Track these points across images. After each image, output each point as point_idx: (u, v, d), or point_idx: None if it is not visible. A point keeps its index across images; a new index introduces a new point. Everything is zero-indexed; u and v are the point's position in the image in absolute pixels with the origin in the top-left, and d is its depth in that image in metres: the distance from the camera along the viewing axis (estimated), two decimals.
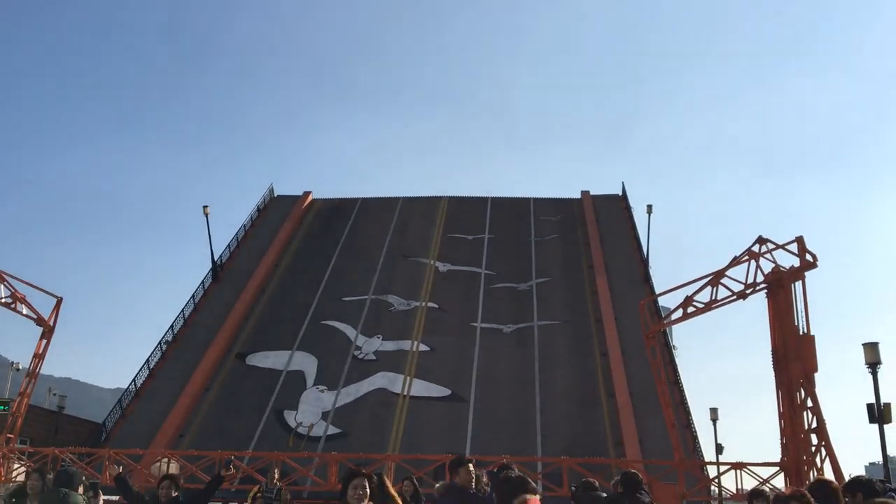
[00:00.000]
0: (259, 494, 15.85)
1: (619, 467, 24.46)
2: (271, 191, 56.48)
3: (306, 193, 56.29)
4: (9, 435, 27.27)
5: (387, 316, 41.82)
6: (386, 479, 8.98)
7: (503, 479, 5.69)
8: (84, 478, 7.68)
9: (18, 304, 27.32)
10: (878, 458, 23.89)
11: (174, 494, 8.60)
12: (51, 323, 27.89)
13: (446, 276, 45.80)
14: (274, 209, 54.29)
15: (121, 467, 10.96)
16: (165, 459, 28.38)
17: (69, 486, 7.13)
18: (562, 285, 44.13)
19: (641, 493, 9.61)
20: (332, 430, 33.55)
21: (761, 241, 25.01)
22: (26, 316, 27.58)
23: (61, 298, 28.37)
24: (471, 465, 7.81)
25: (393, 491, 9.10)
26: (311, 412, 34.55)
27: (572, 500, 11.35)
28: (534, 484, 5.65)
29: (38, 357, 27.88)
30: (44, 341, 27.88)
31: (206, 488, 9.18)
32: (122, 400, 36.54)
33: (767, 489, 25.01)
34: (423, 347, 38.97)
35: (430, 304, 42.61)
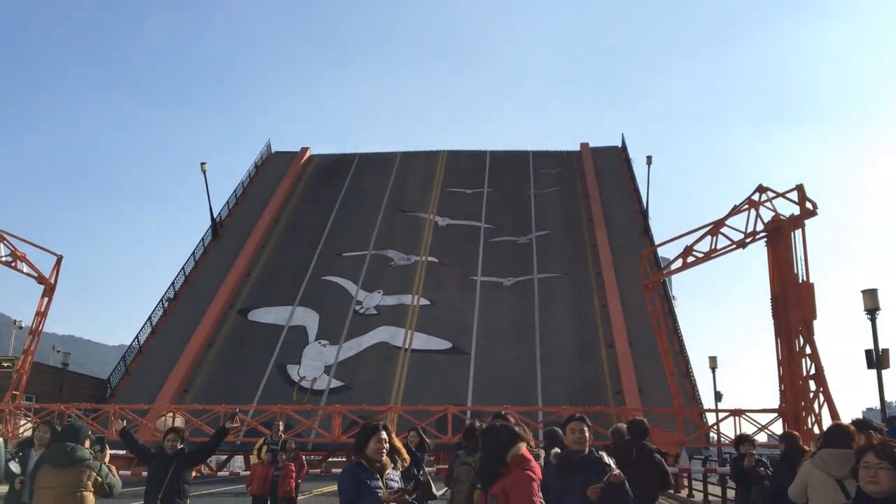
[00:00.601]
0: (265, 446, 15.95)
1: (619, 415, 24.78)
2: (269, 147, 56.14)
3: (304, 149, 55.95)
4: (14, 392, 27.51)
5: (387, 271, 41.94)
6: (389, 429, 9.07)
7: (488, 430, 5.35)
8: (90, 432, 7.70)
9: (19, 262, 27.33)
10: (876, 404, 24.13)
11: (180, 446, 8.64)
12: (52, 281, 27.95)
13: (446, 230, 45.80)
14: (272, 165, 54.04)
15: (124, 422, 11.03)
16: (170, 414, 28.68)
17: (75, 440, 7.18)
18: (561, 238, 44.15)
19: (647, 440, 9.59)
20: (335, 383, 33.89)
21: (761, 189, 24.89)
22: (27, 274, 27.63)
23: (61, 256, 28.40)
24: (584, 426, 6.62)
25: (398, 443, 9.17)
26: (313, 366, 34.86)
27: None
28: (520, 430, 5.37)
29: (41, 315, 28.00)
30: (45, 299, 27.99)
31: (211, 440, 9.20)
32: (126, 357, 36.85)
33: (766, 435, 25.43)
34: (423, 301, 39.15)
35: (429, 259, 42.70)
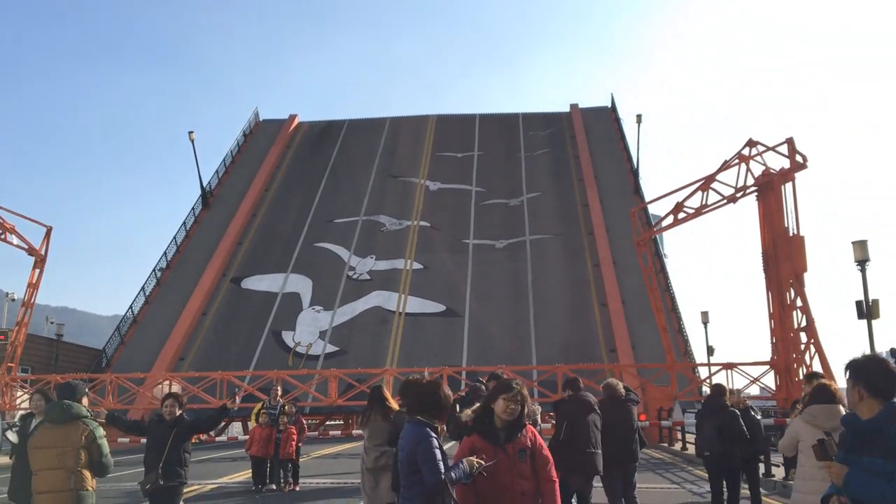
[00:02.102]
0: (263, 410, 16.05)
1: (613, 371, 25.02)
2: (256, 115, 55.68)
3: (292, 117, 55.52)
4: (9, 364, 27.53)
5: (379, 236, 41.94)
6: (385, 390, 9.14)
7: (509, 386, 4.93)
8: (87, 391, 7.70)
9: (8, 234, 27.18)
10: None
11: (178, 412, 8.49)
12: (42, 252, 27.85)
13: (437, 194, 45.73)
14: (260, 133, 53.65)
15: (104, 412, 10.89)
16: (167, 382, 28.78)
17: (72, 397, 7.19)
18: (553, 199, 44.15)
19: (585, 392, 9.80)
20: (331, 348, 34.06)
21: (751, 143, 24.81)
22: (17, 246, 27.50)
23: (51, 228, 28.26)
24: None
25: (393, 403, 9.28)
26: (308, 332, 35.01)
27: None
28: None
29: (33, 286, 27.93)
30: (37, 271, 27.91)
31: (212, 417, 9.01)
32: (121, 327, 36.90)
33: (759, 388, 25.77)
34: (416, 265, 39.23)
35: (421, 223, 42.70)
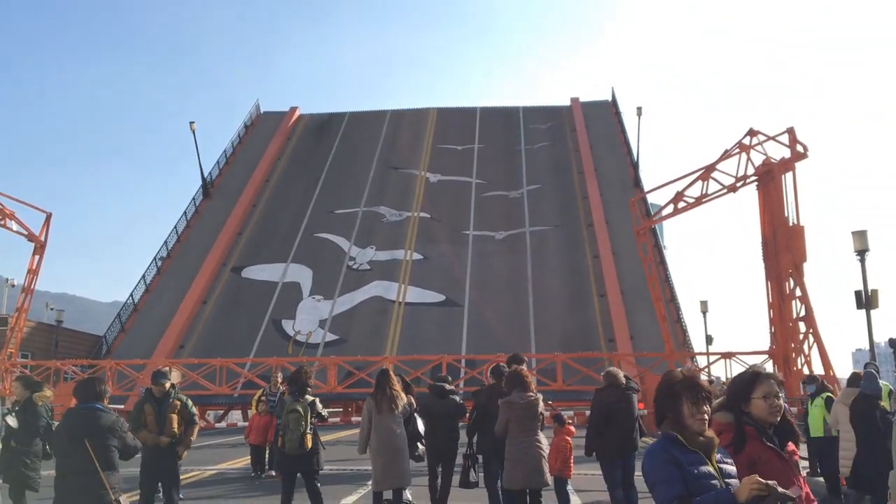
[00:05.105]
0: (262, 398, 16.03)
1: (611, 360, 25.08)
2: (258, 107, 55.68)
3: (293, 109, 55.50)
4: (9, 350, 27.58)
5: (379, 227, 41.98)
6: (391, 375, 9.20)
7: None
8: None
9: (8, 220, 27.21)
10: (865, 345, 24.45)
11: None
12: (42, 238, 27.88)
13: (437, 186, 45.74)
14: (261, 125, 53.64)
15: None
16: (167, 368, 28.82)
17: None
18: (553, 191, 44.16)
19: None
20: (331, 336, 34.11)
21: (752, 132, 24.83)
22: (17, 232, 27.53)
23: (51, 214, 28.29)
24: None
25: (398, 387, 9.37)
26: (308, 321, 35.04)
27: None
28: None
29: (32, 272, 27.96)
30: (36, 257, 27.94)
31: None
32: (121, 314, 36.95)
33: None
34: (416, 256, 39.27)
35: (422, 214, 42.73)
